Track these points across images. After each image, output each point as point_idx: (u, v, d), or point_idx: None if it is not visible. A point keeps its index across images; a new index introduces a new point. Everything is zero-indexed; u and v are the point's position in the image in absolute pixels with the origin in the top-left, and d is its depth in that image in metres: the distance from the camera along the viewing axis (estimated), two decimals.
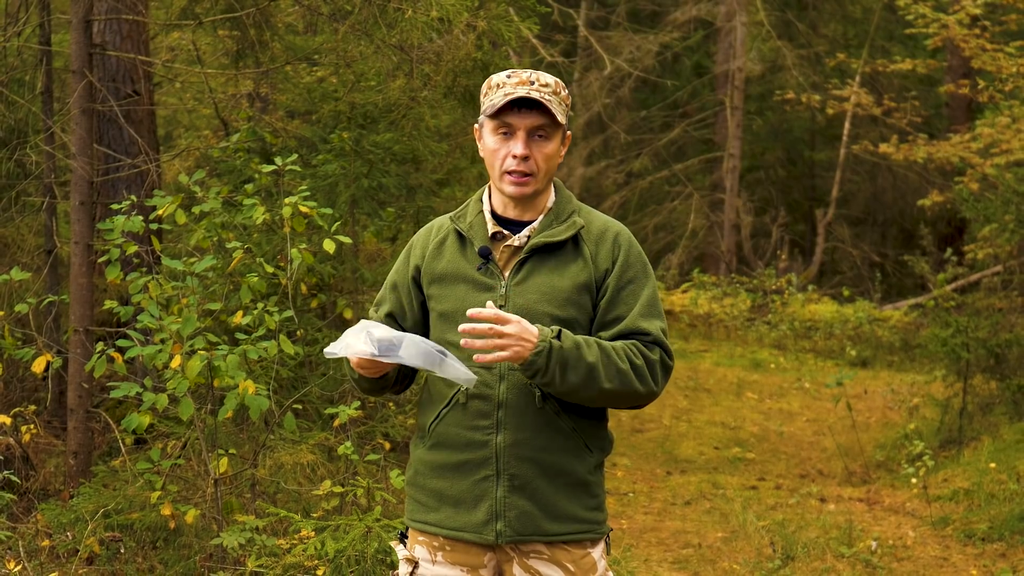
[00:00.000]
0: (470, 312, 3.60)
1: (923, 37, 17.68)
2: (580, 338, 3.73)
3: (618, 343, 3.80)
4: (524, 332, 3.62)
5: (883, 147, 19.49)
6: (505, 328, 3.60)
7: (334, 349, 3.67)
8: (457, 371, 3.62)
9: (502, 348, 3.61)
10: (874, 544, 8.49)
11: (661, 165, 25.03)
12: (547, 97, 3.77)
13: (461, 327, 3.61)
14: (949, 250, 15.17)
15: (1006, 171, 13.79)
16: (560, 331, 3.69)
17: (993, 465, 9.76)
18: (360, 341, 3.62)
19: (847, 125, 23.39)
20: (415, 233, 4.10)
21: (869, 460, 11.62)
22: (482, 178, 10.58)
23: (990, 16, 17.21)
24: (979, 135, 16.38)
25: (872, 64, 22.21)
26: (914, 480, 10.01)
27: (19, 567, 6.48)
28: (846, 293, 20.73)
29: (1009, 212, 11.80)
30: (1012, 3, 16.09)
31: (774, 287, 20.09)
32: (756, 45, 24.79)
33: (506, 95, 3.76)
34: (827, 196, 24.87)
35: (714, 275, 21.34)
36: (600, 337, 3.84)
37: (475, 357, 3.61)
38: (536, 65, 18.13)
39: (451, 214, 4.00)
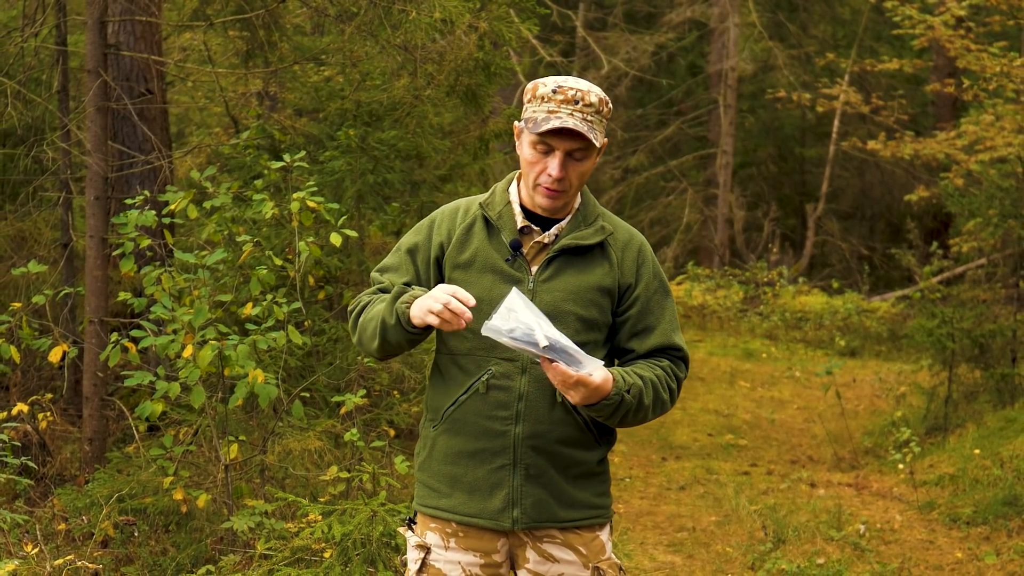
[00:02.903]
0: (561, 375, 3.55)
1: (910, 38, 17.63)
2: (641, 383, 3.74)
3: (659, 370, 3.84)
4: (594, 396, 3.61)
5: (871, 144, 19.46)
6: (580, 387, 3.58)
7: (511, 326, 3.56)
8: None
9: (572, 396, 3.61)
10: (862, 528, 8.49)
11: (657, 161, 25.02)
12: (589, 119, 3.69)
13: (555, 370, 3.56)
14: (935, 243, 15.16)
15: (990, 167, 13.77)
16: (631, 385, 3.70)
17: (977, 451, 9.75)
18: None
19: (836, 123, 23.39)
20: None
21: (857, 446, 11.61)
22: (483, 174, 10.56)
23: (974, 17, 17.18)
24: (964, 132, 16.36)
25: (860, 64, 22.17)
26: (901, 466, 10.01)
27: (36, 550, 6.48)
28: (835, 285, 20.75)
29: (993, 207, 11.79)
30: (996, 5, 16.05)
31: (766, 279, 20.08)
32: (748, 45, 24.75)
33: (550, 113, 3.68)
34: (817, 191, 24.87)
35: (708, 268, 21.34)
36: (635, 347, 3.88)
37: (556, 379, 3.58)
38: (535, 65, 18.11)
39: (479, 199, 3.92)
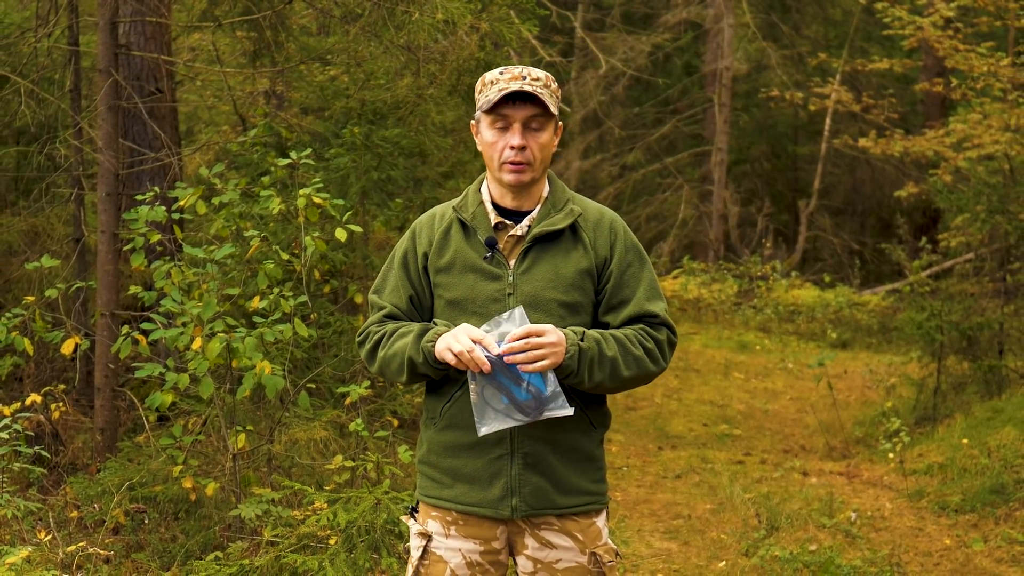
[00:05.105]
0: (509, 342, 3.58)
1: (899, 38, 17.61)
2: (597, 334, 3.73)
3: (629, 330, 3.81)
4: (559, 339, 3.62)
5: (862, 141, 19.42)
6: (543, 339, 3.59)
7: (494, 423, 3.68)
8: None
9: (544, 357, 3.60)
10: (853, 515, 8.48)
11: (653, 158, 24.99)
12: (539, 90, 3.74)
13: (505, 347, 3.59)
14: (924, 238, 15.14)
15: (977, 164, 13.75)
16: (583, 333, 3.70)
17: (965, 441, 9.74)
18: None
19: (828, 121, 23.36)
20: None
21: (849, 436, 11.60)
22: (484, 171, 10.54)
23: (962, 18, 17.16)
24: (952, 130, 16.32)
25: (852, 63, 22.15)
26: (891, 455, 10.00)
27: (49, 537, 6.48)
28: (827, 279, 20.73)
29: (980, 203, 11.78)
30: (983, 6, 16.03)
31: (759, 273, 20.06)
32: (742, 46, 24.73)
33: (500, 90, 3.73)
34: (809, 188, 24.86)
35: (703, 262, 21.31)
36: (610, 320, 3.86)
37: (521, 368, 3.60)
38: (536, 64, 18.10)
39: (453, 203, 3.95)
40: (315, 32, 10.88)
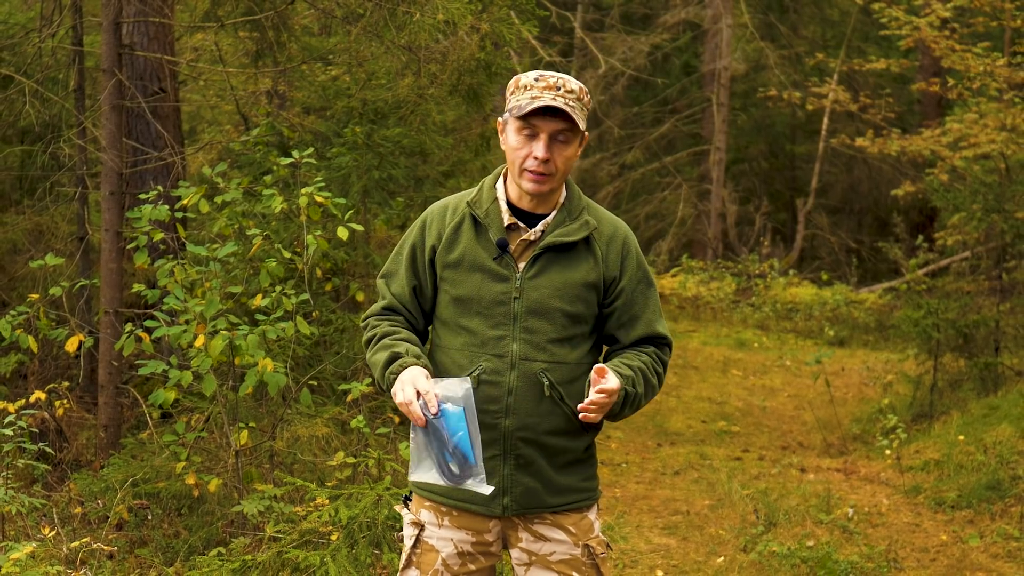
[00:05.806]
0: (599, 395, 3.64)
1: (896, 38, 17.61)
2: (631, 373, 3.78)
3: (645, 358, 3.87)
4: (617, 388, 3.69)
5: (859, 141, 19.41)
6: (613, 397, 3.68)
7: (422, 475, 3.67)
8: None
9: (600, 413, 3.70)
10: (851, 511, 8.48)
11: (652, 158, 24.98)
12: (571, 104, 3.70)
13: (583, 405, 3.66)
14: (920, 237, 15.17)
15: (974, 163, 13.77)
16: (631, 378, 3.75)
17: (962, 438, 9.74)
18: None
19: (825, 120, 23.34)
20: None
21: (846, 433, 11.60)
22: (485, 170, 10.55)
23: (959, 19, 17.15)
24: (948, 130, 16.33)
25: (849, 63, 22.15)
26: (888, 452, 10.00)
27: (53, 533, 6.48)
28: (824, 277, 20.71)
29: (976, 202, 11.78)
30: (979, 7, 16.03)
31: (757, 271, 20.06)
32: (741, 46, 24.71)
33: (533, 98, 3.69)
34: (807, 187, 24.83)
35: (701, 260, 21.31)
36: (621, 336, 3.91)
37: (582, 417, 3.68)
38: (535, 64, 18.10)
39: (467, 197, 3.90)
40: (317, 32, 10.88)
